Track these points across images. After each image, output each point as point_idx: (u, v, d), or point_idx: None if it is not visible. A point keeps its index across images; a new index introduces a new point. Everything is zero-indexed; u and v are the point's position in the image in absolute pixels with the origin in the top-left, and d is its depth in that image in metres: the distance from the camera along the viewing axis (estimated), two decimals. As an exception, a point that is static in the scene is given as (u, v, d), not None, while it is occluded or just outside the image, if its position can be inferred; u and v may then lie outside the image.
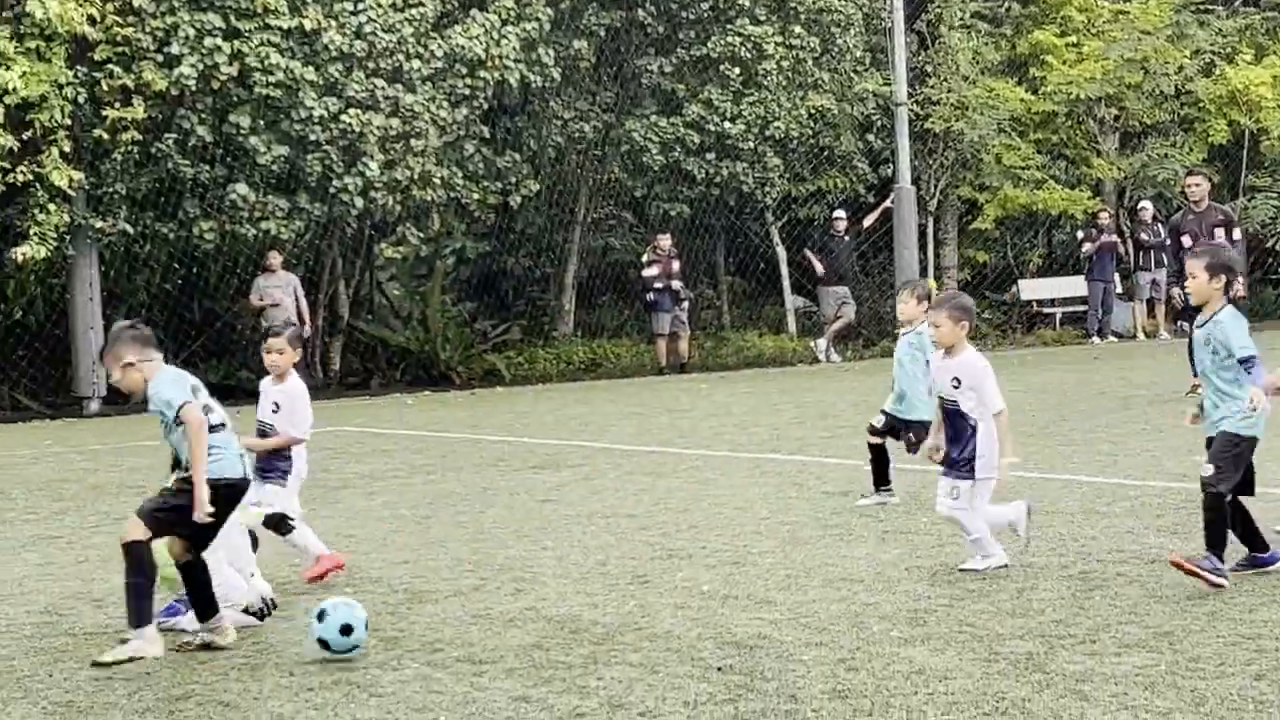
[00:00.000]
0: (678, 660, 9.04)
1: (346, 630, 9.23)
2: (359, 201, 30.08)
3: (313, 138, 29.32)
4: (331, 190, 29.83)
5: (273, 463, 11.89)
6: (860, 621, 9.77)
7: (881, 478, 14.46)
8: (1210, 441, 10.54)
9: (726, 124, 34.09)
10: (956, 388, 11.28)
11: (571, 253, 35.28)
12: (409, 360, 33.19)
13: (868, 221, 35.77)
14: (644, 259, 33.49)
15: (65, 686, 9.11)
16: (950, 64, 36.98)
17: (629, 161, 34.47)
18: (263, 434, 11.99)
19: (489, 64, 31.07)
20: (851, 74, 36.27)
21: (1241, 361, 10.38)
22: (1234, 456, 10.40)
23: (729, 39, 33.80)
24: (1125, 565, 11.22)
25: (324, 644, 9.25)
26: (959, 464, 11.29)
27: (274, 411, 11.98)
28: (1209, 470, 10.37)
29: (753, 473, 16.94)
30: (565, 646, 9.53)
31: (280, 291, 30.11)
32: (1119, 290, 37.41)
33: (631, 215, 36.80)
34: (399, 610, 10.81)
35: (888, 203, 35.17)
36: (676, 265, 33.00)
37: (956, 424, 11.31)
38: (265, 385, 12.18)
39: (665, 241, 33.05)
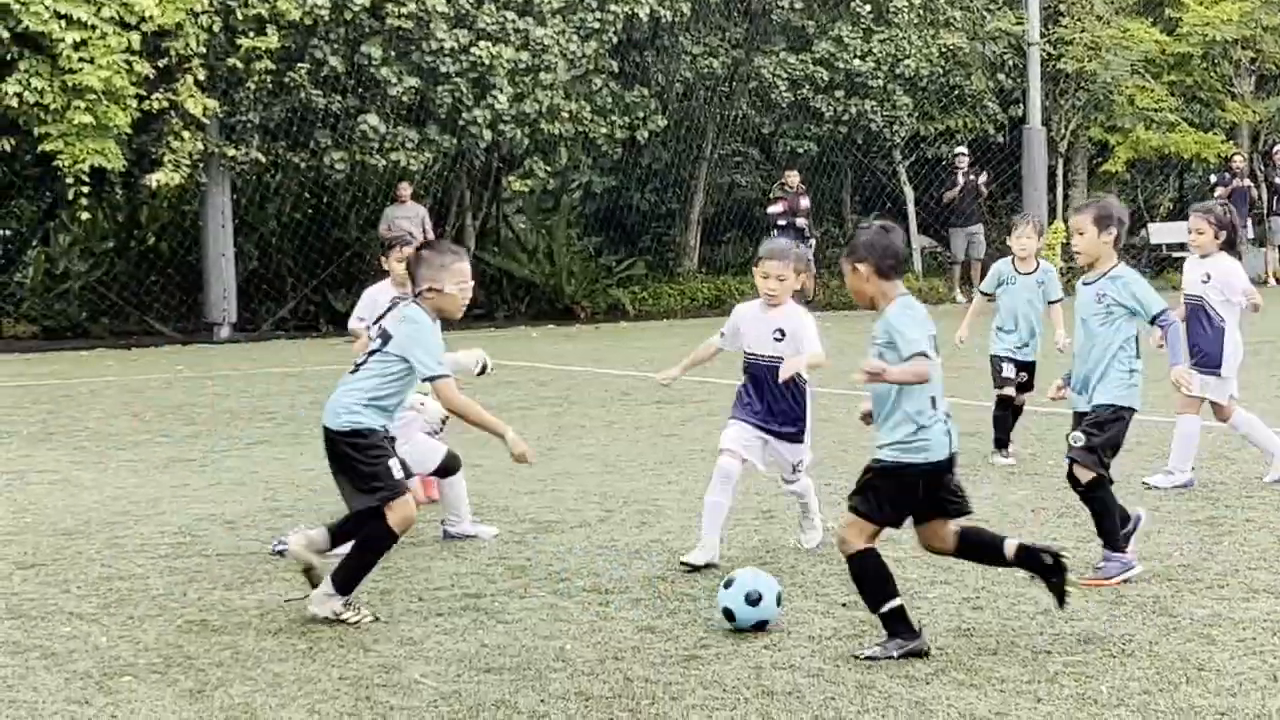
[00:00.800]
0: (802, 595, 9.09)
1: (754, 600, 8.35)
2: (487, 134, 30.23)
3: (443, 69, 29.47)
4: (460, 122, 30.00)
5: None
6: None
7: (1005, 439, 13.80)
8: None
9: (856, 61, 33.90)
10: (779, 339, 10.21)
11: (697, 189, 35.25)
12: (534, 293, 33.33)
13: (948, 197, 35.15)
14: (771, 195, 33.36)
15: (199, 606, 9.29)
16: (1084, 3, 36.54)
17: (757, 98, 34.37)
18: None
19: (618, -3, 31.08)
20: (984, 12, 35.94)
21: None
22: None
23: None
24: (1254, 511, 11.15)
25: (729, 614, 8.39)
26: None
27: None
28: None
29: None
30: (690, 579, 9.60)
31: (409, 222, 30.26)
32: (1250, 235, 36.88)
33: (758, 152, 36.69)
34: (526, 539, 10.92)
35: (967, 180, 34.57)
36: (804, 202, 32.76)
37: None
38: (378, 295, 11.99)
39: (793, 178, 32.86)
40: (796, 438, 10.13)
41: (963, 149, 35.16)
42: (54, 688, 7.76)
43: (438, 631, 8.57)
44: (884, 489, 7.87)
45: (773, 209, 32.85)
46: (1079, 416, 9.53)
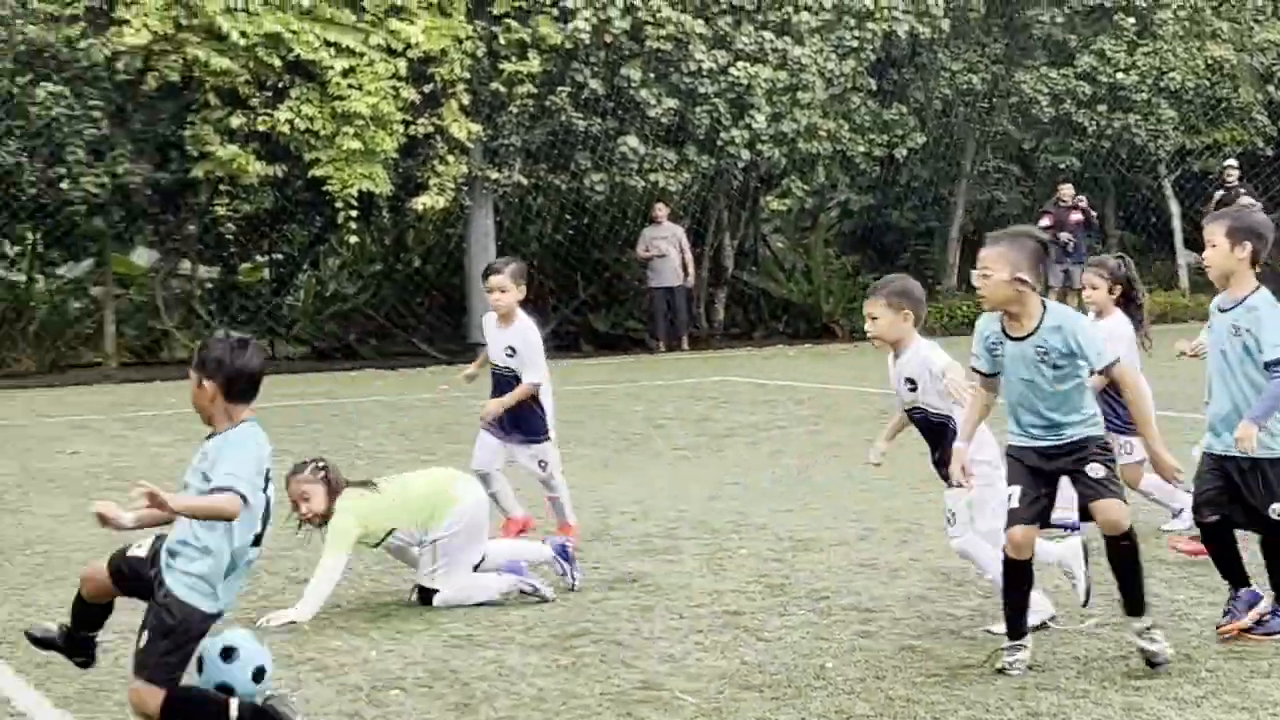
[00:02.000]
0: (1066, 618, 8.96)
1: (259, 675, 7.29)
2: (745, 154, 30.34)
3: (701, 90, 29.66)
4: (719, 142, 30.15)
5: (529, 415, 11.64)
6: None
7: None
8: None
9: (1119, 75, 33.39)
10: (913, 389, 9.11)
11: (957, 206, 34.98)
12: (791, 312, 33.32)
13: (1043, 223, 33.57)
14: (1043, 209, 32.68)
15: (465, 621, 9.44)
16: (1358, 12, 35.56)
17: (1017, 113, 34.02)
18: (501, 378, 11.58)
19: (877, 15, 31.01)
20: (1252, 23, 35.16)
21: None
22: None
23: (1124, -13, 33.11)
24: None
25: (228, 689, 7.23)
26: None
27: (509, 355, 11.52)
28: None
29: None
30: (952, 598, 9.53)
31: (666, 243, 30.49)
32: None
33: (1019, 168, 36.29)
34: (785, 557, 10.93)
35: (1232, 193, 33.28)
36: (1074, 216, 31.90)
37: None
38: (490, 325, 11.69)
39: (1066, 190, 32.09)
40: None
41: (1232, 161, 34.40)
42: (325, 699, 7.95)
43: (698, 648, 8.62)
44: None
45: (1043, 222, 32.29)
46: (1215, 459, 8.47)
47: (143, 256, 32.41)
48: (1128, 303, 11.12)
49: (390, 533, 9.83)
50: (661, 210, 30.71)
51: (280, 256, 32.53)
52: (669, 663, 8.34)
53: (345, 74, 27.14)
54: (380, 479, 10.03)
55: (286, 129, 27.02)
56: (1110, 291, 11.13)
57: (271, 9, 26.91)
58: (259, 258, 32.54)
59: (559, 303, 31.77)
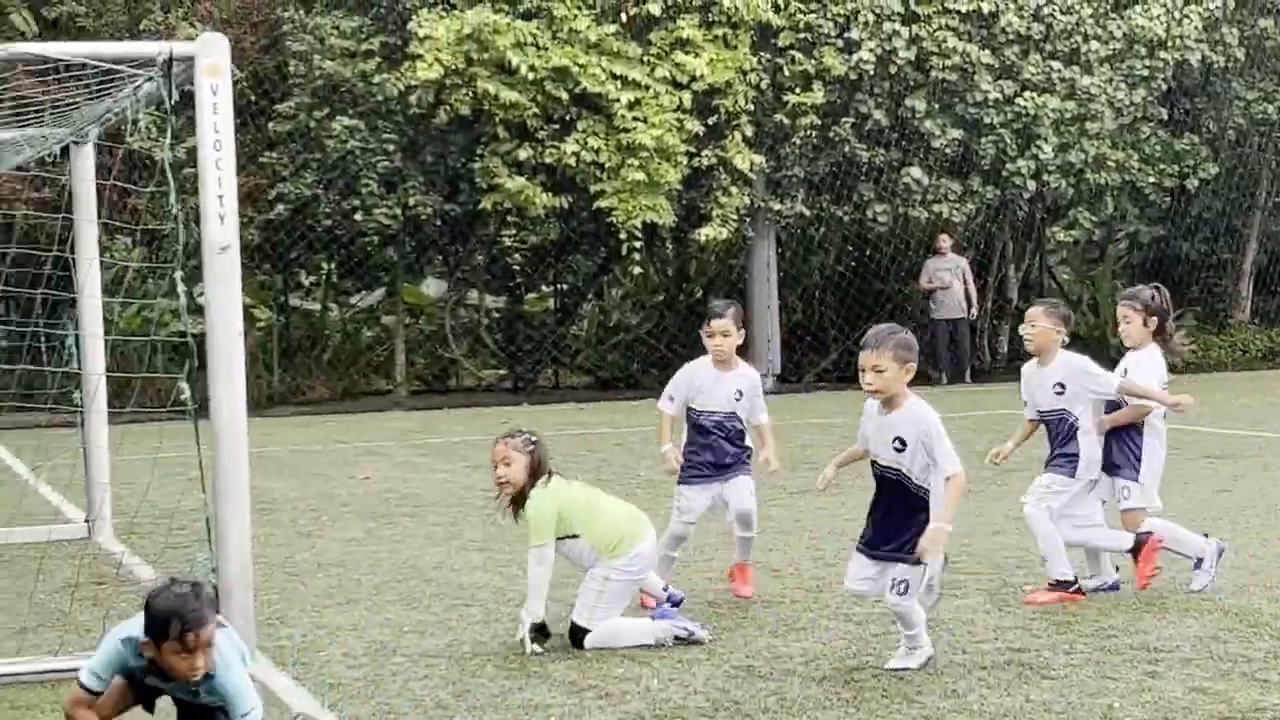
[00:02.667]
0: (1364, 661, 8.70)
1: None
2: (1031, 184, 30.03)
3: (987, 120, 29.42)
4: (1004, 173, 29.86)
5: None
6: None
7: None
8: None
9: None
10: (900, 450, 9.02)
11: (1250, 238, 34.15)
12: (1077, 345, 32.75)
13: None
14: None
15: (745, 652, 9.47)
16: None
17: (1316, 143, 33.14)
18: (718, 426, 11.08)
19: (1169, 44, 30.47)
20: None
21: None
22: None
23: None
24: None
25: None
26: (903, 546, 8.86)
27: (736, 400, 11.12)
28: None
29: None
30: (1244, 640, 9.31)
31: (949, 274, 30.25)
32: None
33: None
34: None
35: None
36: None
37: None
38: (704, 374, 11.22)
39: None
40: None
41: None
42: (608, 726, 8.04)
43: (981, 685, 8.53)
44: None
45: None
46: None
47: (432, 286, 33.09)
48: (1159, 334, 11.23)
49: (574, 537, 9.77)
50: (945, 241, 30.47)
51: (565, 287, 32.95)
52: (952, 698, 8.28)
53: (630, 106, 27.45)
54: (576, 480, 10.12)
55: (573, 161, 27.40)
56: (1145, 324, 11.24)
57: (560, 43, 27.33)
58: (544, 288, 33.00)
59: (840, 334, 31.69)
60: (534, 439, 9.85)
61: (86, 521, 14.16)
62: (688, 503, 11.10)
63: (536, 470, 9.74)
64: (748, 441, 11.26)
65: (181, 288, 9.32)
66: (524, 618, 9.62)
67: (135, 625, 6.96)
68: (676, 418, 11.31)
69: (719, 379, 11.15)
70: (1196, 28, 30.46)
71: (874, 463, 9.09)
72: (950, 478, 8.71)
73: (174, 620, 6.77)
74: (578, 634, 9.71)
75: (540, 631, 9.56)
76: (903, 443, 8.86)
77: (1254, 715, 7.80)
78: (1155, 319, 11.16)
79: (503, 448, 9.79)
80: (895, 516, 8.90)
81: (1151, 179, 31.30)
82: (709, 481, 11.10)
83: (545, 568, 9.65)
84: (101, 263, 14.04)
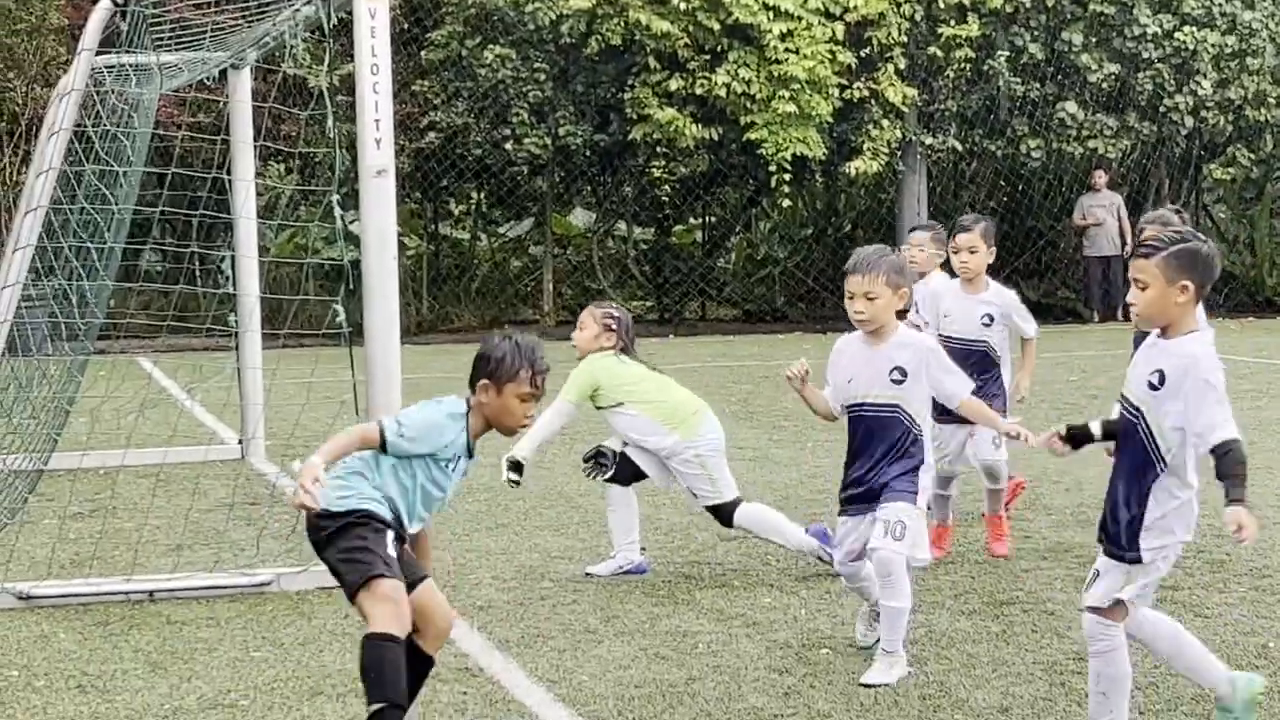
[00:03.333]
0: None
1: None
2: (1189, 121, 29.56)
3: (1145, 55, 28.96)
4: (1161, 109, 29.41)
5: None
6: None
7: None
8: None
9: None
10: (900, 381, 7.99)
11: None
12: (1234, 285, 32.31)
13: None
14: None
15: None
16: None
17: None
18: (969, 354, 9.93)
19: (1334, -22, 29.86)
20: None
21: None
22: None
23: None
24: None
25: None
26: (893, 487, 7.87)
27: (986, 325, 10.28)
28: None
29: None
30: (1404, 583, 9.15)
31: (1104, 210, 29.86)
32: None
33: None
34: (1224, 532, 10.59)
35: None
36: None
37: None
38: (951, 293, 10.45)
39: None
40: None
41: None
42: (755, 655, 8.03)
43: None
44: None
45: None
46: None
47: (580, 217, 33.14)
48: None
49: (620, 405, 9.72)
50: (1100, 178, 30.07)
51: (713, 219, 32.88)
52: (1103, 635, 8.19)
53: (782, 38, 27.26)
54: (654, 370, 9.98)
55: (723, 92, 27.28)
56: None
57: (712, -27, 27.19)
58: (692, 220, 32.95)
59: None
60: (615, 314, 9.91)
61: (240, 442, 14.36)
62: (943, 439, 9.88)
63: (609, 337, 9.79)
64: (1003, 375, 10.33)
65: (338, 212, 9.39)
66: (510, 454, 9.51)
67: (451, 403, 6.73)
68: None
69: (965, 300, 10.38)
70: (1363, -39, 29.82)
71: (858, 407, 8.04)
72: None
73: (527, 361, 6.64)
74: (723, 514, 9.68)
75: (516, 469, 9.50)
76: (903, 373, 7.87)
77: None
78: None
79: (585, 314, 9.95)
80: (881, 463, 7.90)
81: (1312, 116, 30.73)
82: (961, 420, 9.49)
83: (557, 419, 9.70)
84: (256, 187, 14.17)
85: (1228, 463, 6.13)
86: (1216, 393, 6.23)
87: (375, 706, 6.31)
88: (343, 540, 6.44)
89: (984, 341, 10.27)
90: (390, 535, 6.48)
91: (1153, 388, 6.27)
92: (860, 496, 7.92)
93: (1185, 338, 6.37)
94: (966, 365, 8.93)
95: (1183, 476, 6.33)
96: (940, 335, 10.03)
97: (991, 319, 10.28)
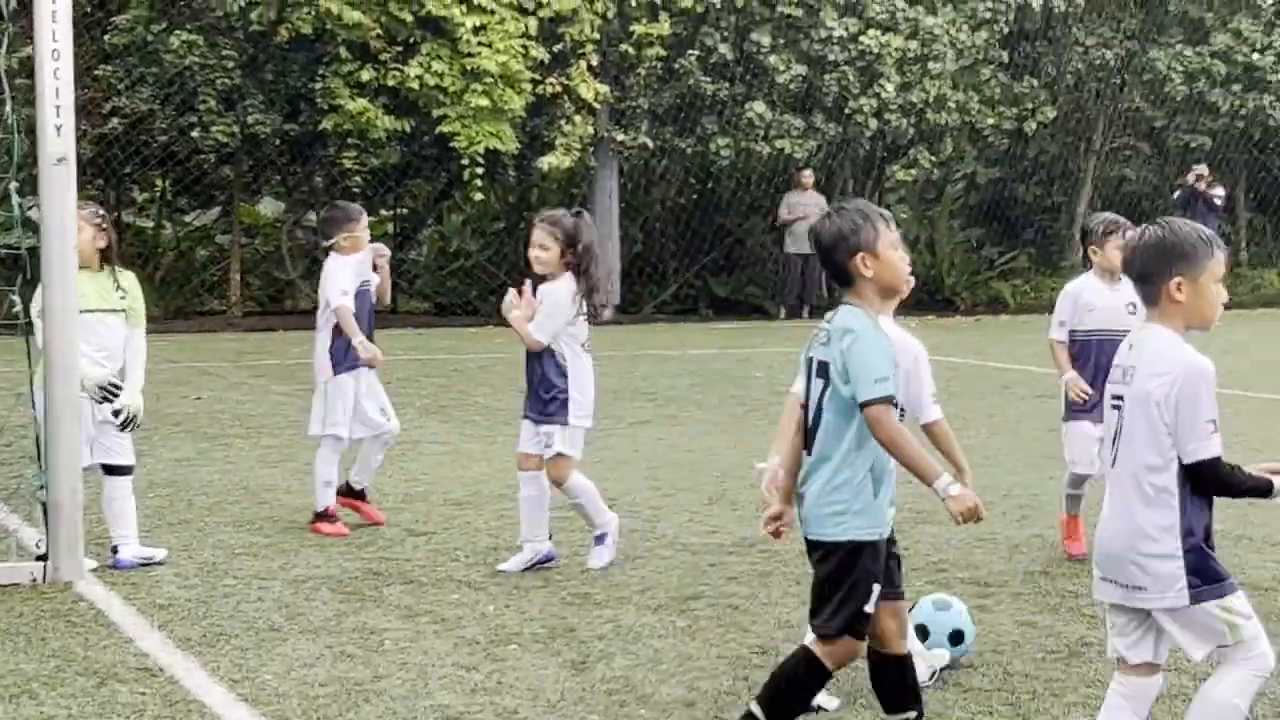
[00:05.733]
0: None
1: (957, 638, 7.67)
2: (873, 123, 30.18)
3: (831, 58, 29.50)
4: (846, 110, 29.99)
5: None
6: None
7: None
8: None
9: (1255, 55, 32.88)
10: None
11: (1085, 182, 34.61)
12: (914, 284, 33.11)
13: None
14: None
15: (582, 579, 9.48)
16: None
17: (1150, 91, 33.59)
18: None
19: (1011, -13, 30.76)
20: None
21: None
22: None
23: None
24: None
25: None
26: None
27: (1131, 312, 9.83)
28: None
29: (1269, 415, 16.41)
30: (1072, 575, 9.45)
31: (808, 209, 30.37)
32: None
33: (1149, 146, 35.85)
34: (903, 529, 10.81)
35: None
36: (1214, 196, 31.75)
37: None
38: (1092, 288, 10.47)
39: (1198, 170, 31.99)
40: None
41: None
42: (443, 652, 8.00)
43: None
44: None
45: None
46: None
47: (269, 207, 32.68)
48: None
49: None
50: (808, 177, 30.55)
51: (405, 212, 32.70)
52: (785, 629, 8.32)
53: (476, 31, 27.17)
54: None
55: (416, 85, 27.10)
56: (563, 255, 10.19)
57: (405, -36, 27.00)
58: (384, 212, 32.72)
59: (680, 267, 31.74)
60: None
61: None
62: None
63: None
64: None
65: (16, 200, 9.12)
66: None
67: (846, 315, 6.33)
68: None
69: (1108, 293, 10.24)
70: (1039, -28, 30.78)
71: None
72: None
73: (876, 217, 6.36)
74: None
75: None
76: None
77: (1081, 649, 7.93)
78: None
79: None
80: None
81: (990, 121, 31.60)
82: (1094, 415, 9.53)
83: None
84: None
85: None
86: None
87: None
88: None
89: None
90: None
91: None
92: None
93: None
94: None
95: None
96: (1081, 331, 10.26)
97: (1135, 307, 9.65)
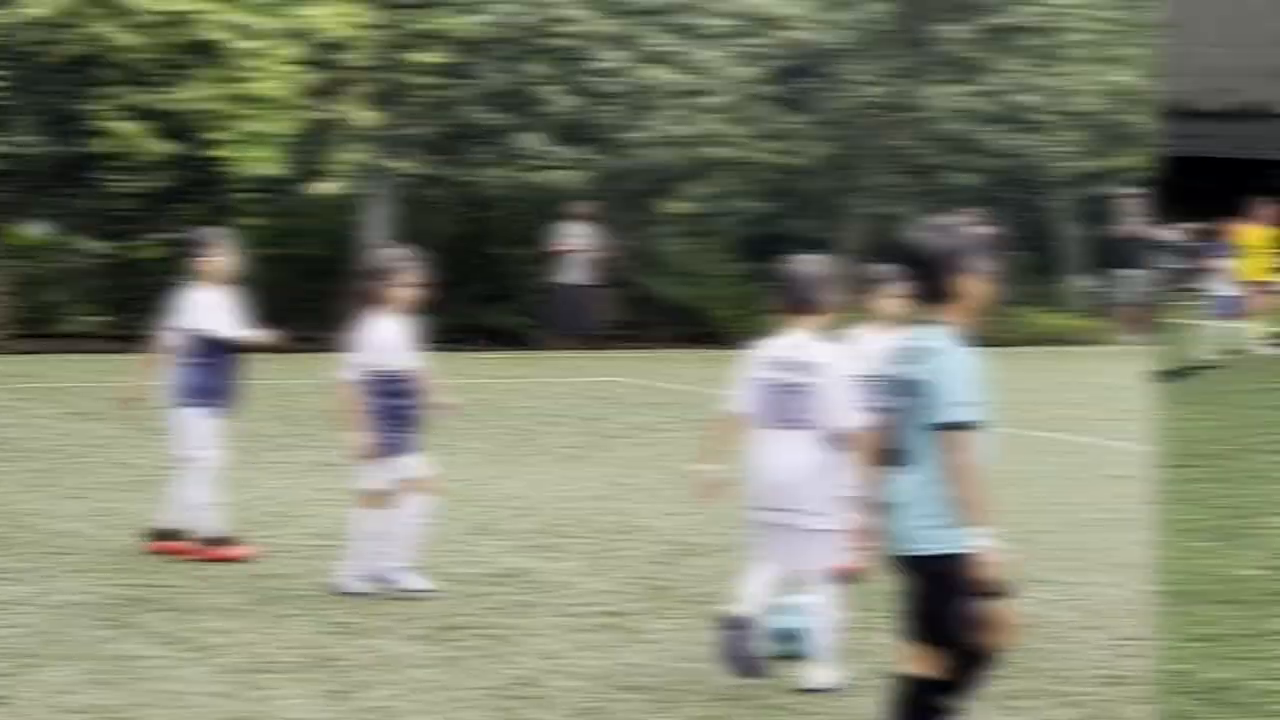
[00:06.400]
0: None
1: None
2: (645, 154, 30.39)
3: (604, 89, 29.68)
4: (618, 142, 30.18)
5: None
6: (1137, 609, 9.64)
7: None
8: None
9: (1022, 96, 33.65)
10: None
11: (856, 219, 35.15)
12: (683, 315, 33.35)
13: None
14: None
15: (344, 608, 9.45)
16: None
17: (920, 129, 34.22)
18: None
19: (782, 23, 31.14)
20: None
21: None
22: None
23: (1032, 7, 33.31)
24: None
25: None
26: None
27: None
28: None
29: (1036, 452, 16.73)
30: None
31: (581, 239, 30.49)
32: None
33: (919, 184, 36.47)
34: (667, 560, 10.99)
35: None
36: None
37: None
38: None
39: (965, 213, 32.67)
40: None
41: (1132, 189, 34.68)
42: (201, 679, 7.95)
43: (575, 648, 8.66)
44: None
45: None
46: None
47: (36, 228, 32.07)
48: None
49: None
50: (582, 208, 30.67)
51: (176, 236, 32.26)
52: (548, 660, 8.39)
53: (248, 56, 26.93)
54: None
55: (186, 109, 26.78)
56: None
57: (177, -14, 26.68)
58: (154, 235, 32.23)
59: (450, 296, 31.64)
60: None
61: None
62: None
63: None
64: None
65: None
66: None
67: (934, 334, 6.27)
68: None
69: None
70: (811, 8, 31.20)
71: None
72: None
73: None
74: None
75: None
76: None
77: (850, 686, 8.06)
78: None
79: None
80: None
81: (762, 156, 31.98)
82: None
83: None
84: None
85: None
86: None
87: None
88: None
89: None
90: None
91: None
92: None
93: None
94: None
95: None
96: None
97: None
